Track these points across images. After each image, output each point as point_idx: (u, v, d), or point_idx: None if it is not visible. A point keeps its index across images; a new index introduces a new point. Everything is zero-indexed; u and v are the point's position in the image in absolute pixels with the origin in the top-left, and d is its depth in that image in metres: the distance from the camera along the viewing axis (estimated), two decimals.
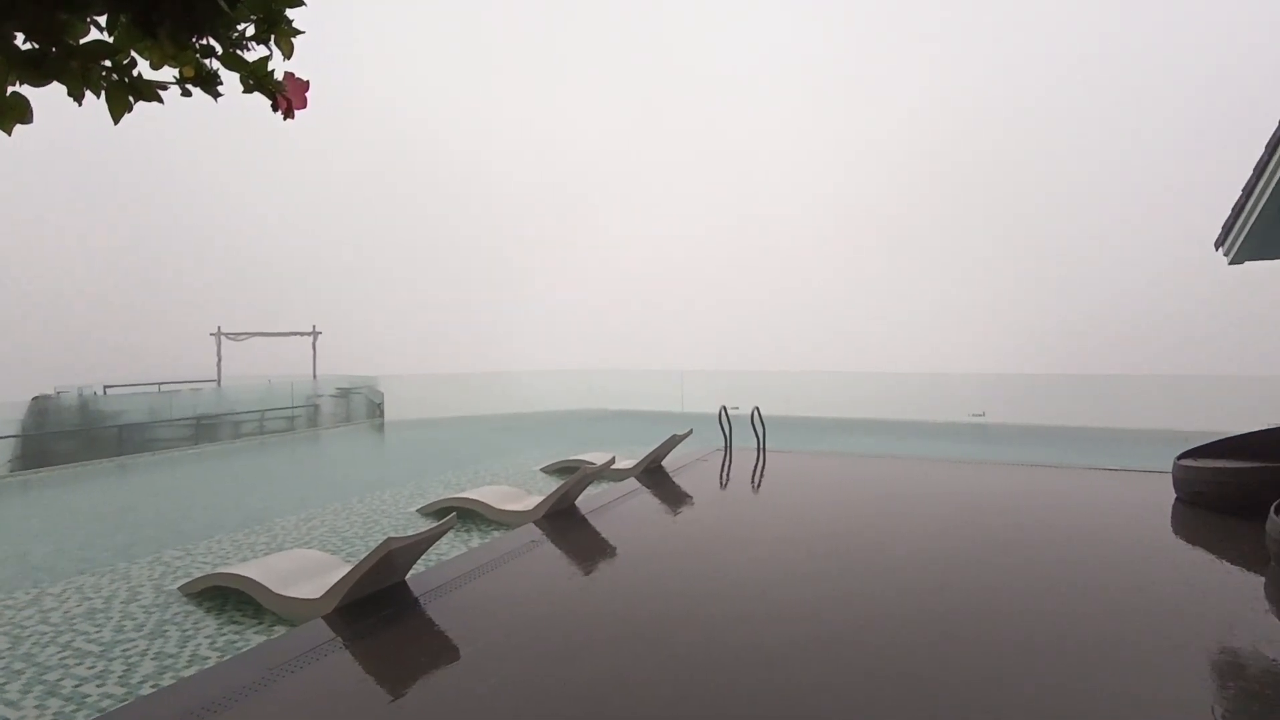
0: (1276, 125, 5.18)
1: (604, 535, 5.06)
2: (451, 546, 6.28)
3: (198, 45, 1.23)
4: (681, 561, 4.46)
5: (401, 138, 39.75)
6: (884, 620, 3.32)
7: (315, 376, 21.93)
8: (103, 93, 1.22)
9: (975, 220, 34.85)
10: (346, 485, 10.17)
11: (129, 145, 31.99)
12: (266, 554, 6.16)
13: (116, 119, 1.25)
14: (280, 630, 4.55)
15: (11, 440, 12.50)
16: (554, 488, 6.67)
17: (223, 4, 1.19)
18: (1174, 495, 5.65)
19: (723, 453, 8.59)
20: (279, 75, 1.34)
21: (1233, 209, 6.13)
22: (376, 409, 19.55)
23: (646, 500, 6.16)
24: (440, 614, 3.49)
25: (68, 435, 13.60)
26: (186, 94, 1.29)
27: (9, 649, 4.37)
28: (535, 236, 39.71)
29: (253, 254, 38.25)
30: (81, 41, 1.18)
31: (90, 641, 4.47)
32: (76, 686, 3.85)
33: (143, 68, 1.24)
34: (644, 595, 3.81)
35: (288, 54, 1.33)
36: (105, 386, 16.85)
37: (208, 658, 4.20)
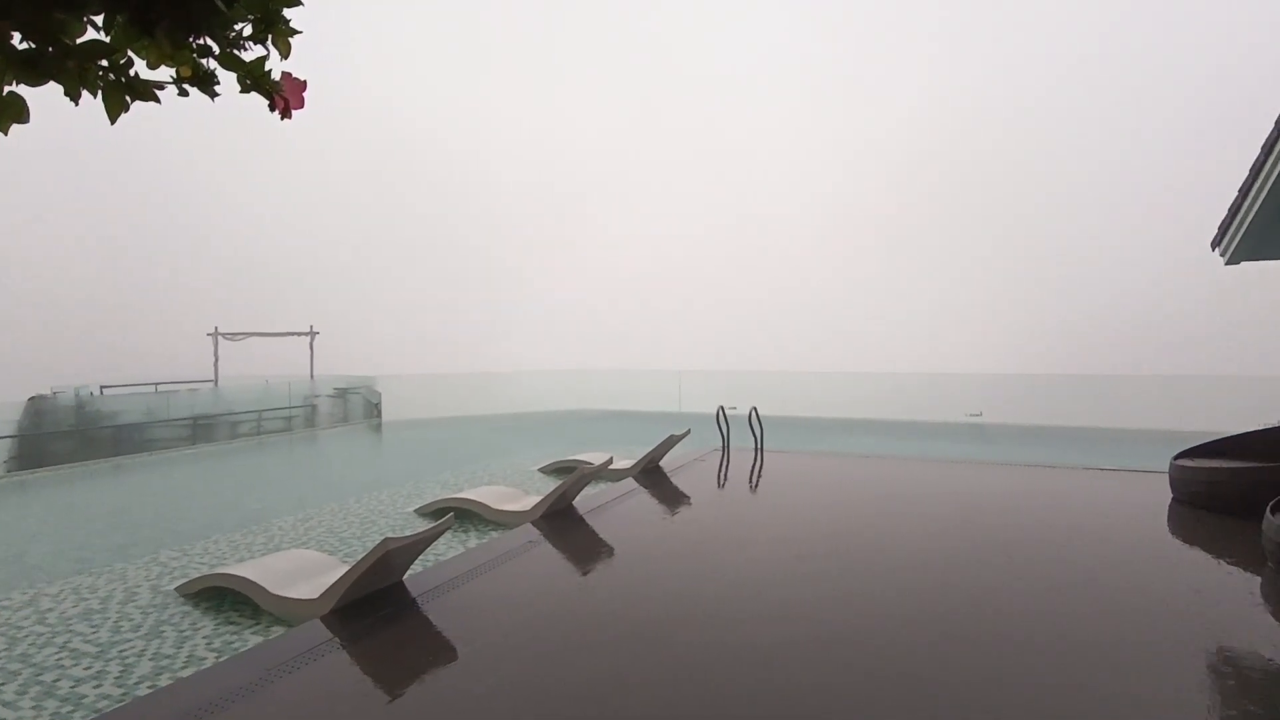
0: (1273, 126, 5.20)
1: (602, 535, 5.06)
2: (449, 547, 6.27)
3: (195, 45, 1.23)
4: (679, 562, 4.46)
5: (399, 137, 39.72)
6: (883, 620, 3.32)
7: (313, 377, 21.90)
8: (99, 92, 1.22)
9: (974, 220, 34.92)
10: (344, 485, 10.16)
11: (126, 145, 31.93)
12: (264, 554, 6.15)
13: (113, 119, 1.25)
14: (278, 631, 4.54)
15: (8, 441, 12.47)
16: (551, 488, 6.67)
17: (220, 4, 1.18)
18: (1170, 495, 5.66)
19: (720, 453, 8.59)
20: (276, 75, 1.34)
21: (1229, 209, 6.14)
22: (374, 409, 19.53)
23: (644, 500, 6.16)
24: (438, 614, 3.49)
25: (64, 435, 13.56)
26: (183, 94, 1.28)
27: (5, 650, 4.36)
28: (533, 236, 39.71)
29: (250, 254, 38.21)
30: (78, 41, 1.17)
31: (87, 642, 4.46)
32: (73, 687, 3.84)
33: (140, 67, 1.23)
34: (642, 595, 3.81)
35: (285, 54, 1.33)
36: (102, 387, 16.80)
37: (205, 658, 4.20)
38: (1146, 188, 31.18)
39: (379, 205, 40.29)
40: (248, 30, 1.28)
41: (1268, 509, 4.07)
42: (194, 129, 31.24)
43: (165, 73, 1.24)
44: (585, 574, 4.31)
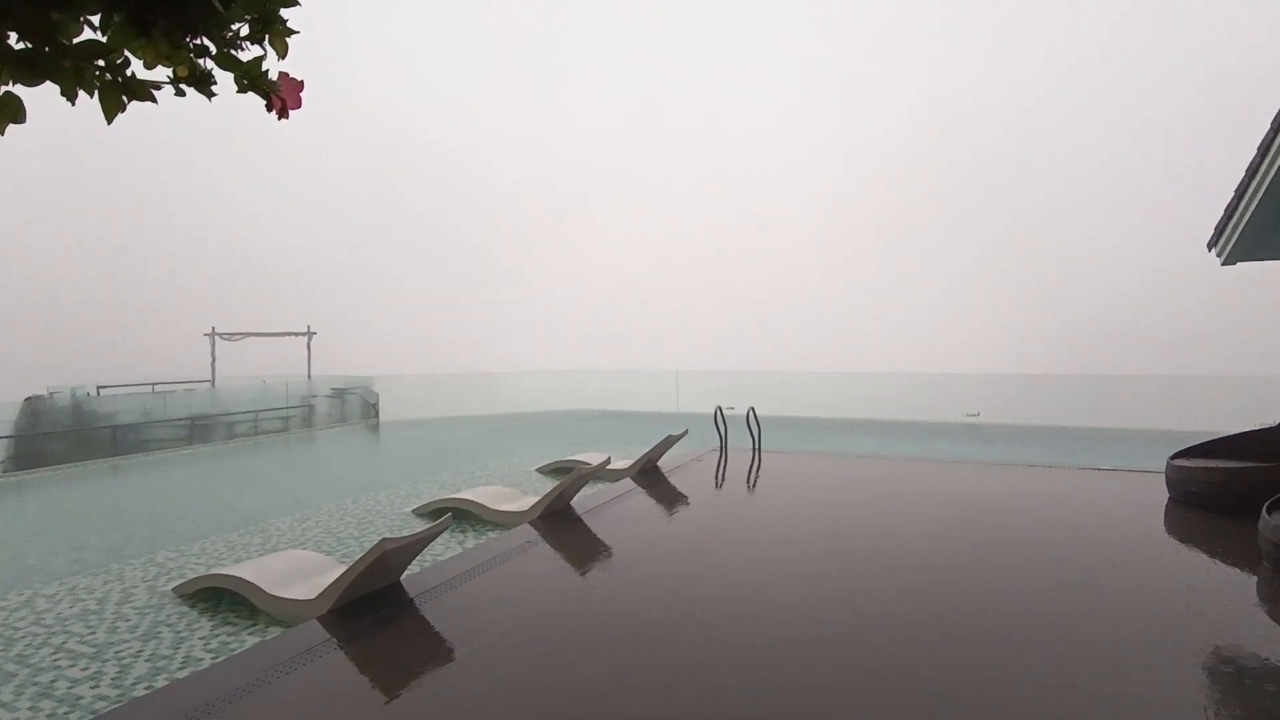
0: (1269, 127, 5.22)
1: (600, 536, 5.06)
2: (447, 547, 6.27)
3: (192, 45, 1.23)
4: (677, 562, 4.46)
5: (398, 137, 39.68)
6: (883, 620, 3.32)
7: (310, 377, 21.88)
8: (96, 92, 1.22)
9: (973, 220, 34.95)
10: (341, 486, 10.15)
11: (123, 145, 31.87)
12: (261, 555, 6.14)
13: (110, 119, 1.25)
14: (275, 631, 4.54)
15: (4, 441, 12.44)
16: (549, 488, 6.67)
17: (217, 4, 1.18)
18: (1167, 495, 5.67)
19: (718, 453, 8.60)
20: (273, 75, 1.34)
21: (1225, 210, 6.16)
22: (371, 409, 19.51)
23: (642, 501, 6.16)
24: (435, 615, 3.49)
25: (61, 436, 13.53)
26: (180, 94, 1.28)
27: (2, 650, 4.36)
28: (532, 236, 39.69)
29: (247, 254, 38.15)
30: (75, 41, 1.17)
31: (84, 643, 4.45)
32: (70, 688, 3.83)
33: (136, 67, 1.23)
34: (640, 595, 3.81)
35: (282, 54, 1.33)
36: (99, 387, 16.77)
37: (202, 659, 4.19)
38: (1143, 189, 31.26)
39: (377, 205, 40.26)
40: (245, 30, 1.28)
41: (1264, 509, 4.08)
42: (191, 129, 31.20)
43: (162, 73, 1.24)
44: (583, 574, 4.31)
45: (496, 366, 30.46)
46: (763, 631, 3.20)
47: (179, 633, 4.60)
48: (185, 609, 5.02)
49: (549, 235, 39.53)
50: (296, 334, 23.32)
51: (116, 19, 1.17)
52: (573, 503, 5.92)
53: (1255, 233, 6.03)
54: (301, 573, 5.07)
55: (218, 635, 4.55)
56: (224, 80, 1.30)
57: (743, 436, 8.60)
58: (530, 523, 5.27)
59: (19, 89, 1.17)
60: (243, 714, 2.48)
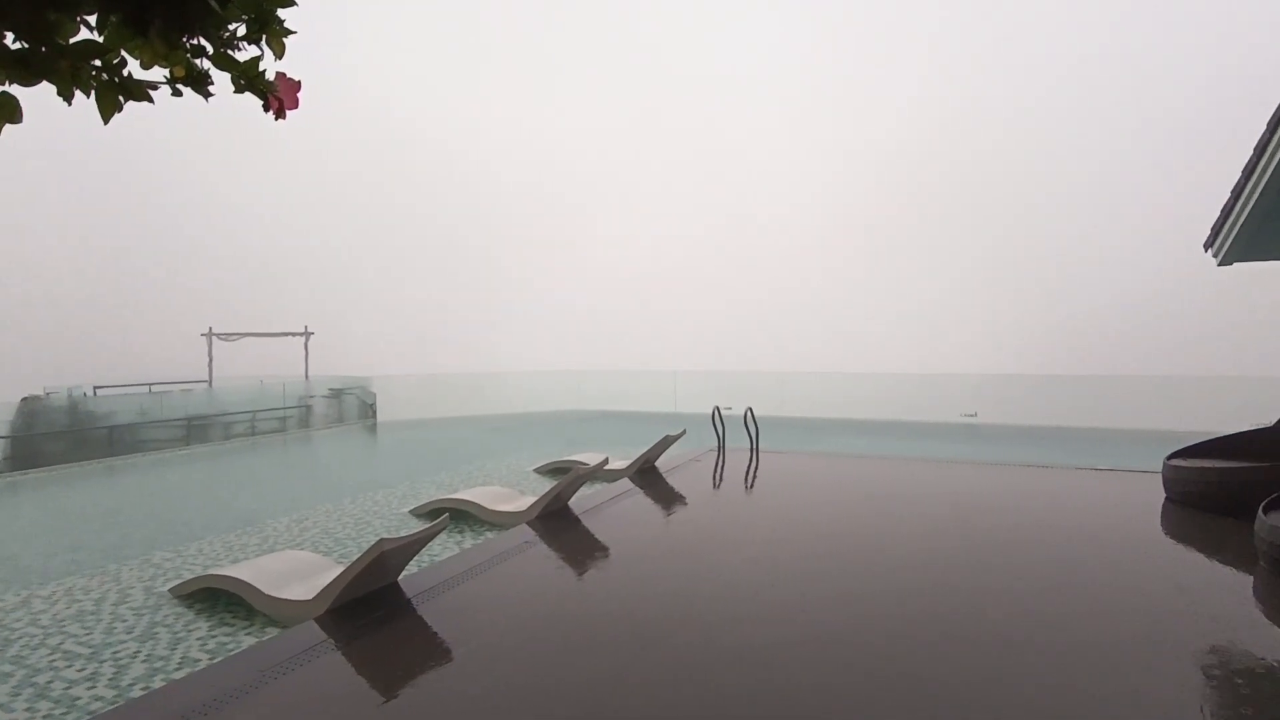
0: (1264, 128, 5.23)
1: (597, 536, 5.06)
2: (444, 548, 6.27)
3: (188, 45, 1.23)
4: (676, 562, 4.46)
5: (397, 137, 39.63)
6: (881, 619, 3.33)
7: (307, 377, 21.85)
8: (92, 92, 1.22)
9: (971, 220, 34.99)
10: (339, 486, 10.14)
11: (119, 145, 31.79)
12: (258, 555, 6.13)
13: (106, 119, 1.24)
14: (272, 632, 4.53)
15: (0, 441, 12.41)
16: (547, 488, 6.67)
17: (214, 4, 1.18)
18: (1164, 495, 5.69)
19: (716, 453, 8.60)
20: (270, 75, 1.34)
21: (1221, 211, 6.18)
22: (369, 409, 19.49)
23: (640, 501, 6.16)
24: (433, 615, 3.49)
25: (57, 436, 13.50)
26: (177, 94, 1.28)
27: None
28: (530, 236, 39.65)
29: (244, 254, 38.08)
30: (71, 41, 1.17)
31: (80, 644, 4.44)
32: (66, 689, 3.82)
33: (133, 67, 1.23)
34: (638, 596, 3.81)
35: (279, 54, 1.33)
36: (95, 387, 16.74)
37: (199, 660, 4.18)
38: (1141, 190, 31.34)
39: (375, 205, 40.21)
40: (242, 30, 1.28)
41: (1260, 508, 4.10)
42: (188, 129, 31.12)
43: (159, 73, 1.24)
44: (581, 574, 4.31)
45: (494, 366, 30.44)
46: (761, 631, 3.20)
47: (176, 633, 4.59)
48: (182, 610, 5.01)
49: (546, 235, 39.52)
50: (294, 334, 23.29)
51: (113, 19, 1.17)
52: (570, 503, 5.92)
53: (1251, 233, 6.05)
54: (299, 573, 5.06)
55: (215, 636, 4.54)
56: (221, 80, 1.30)
57: (741, 437, 8.60)
58: (528, 523, 5.27)
59: (15, 89, 1.17)
60: (240, 715, 2.48)
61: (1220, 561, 4.20)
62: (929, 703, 2.54)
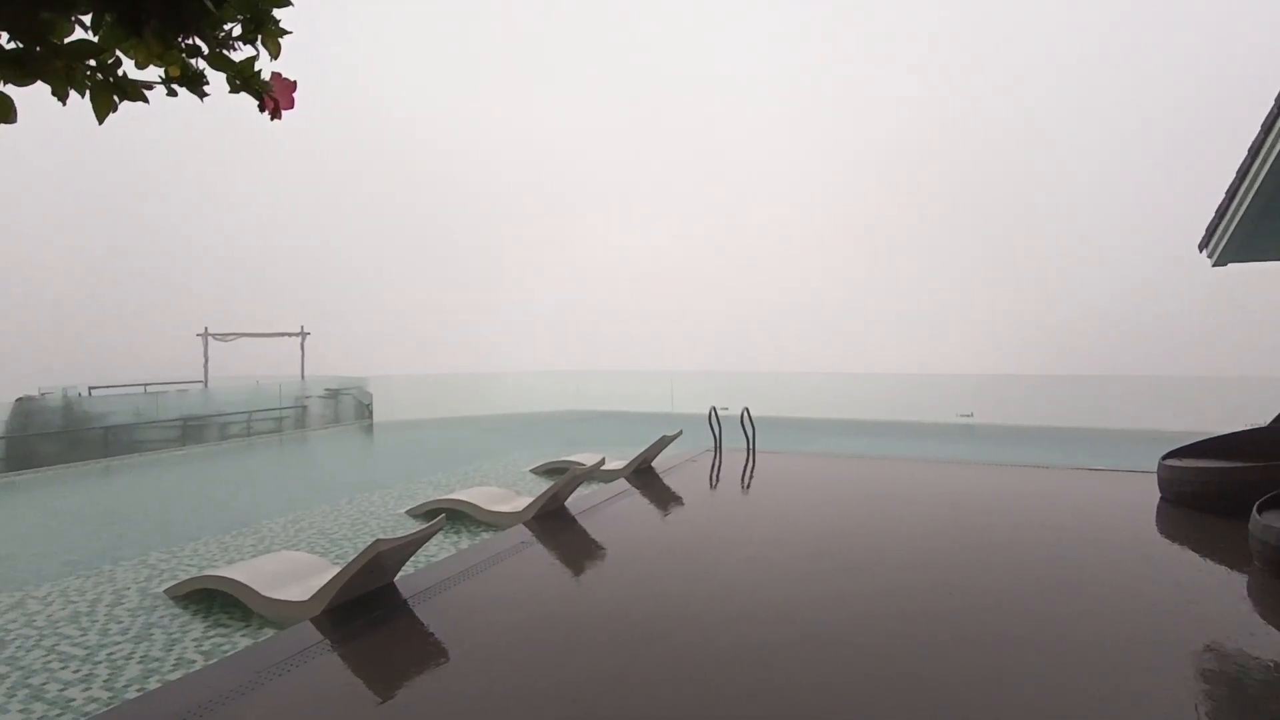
0: (1259, 129, 5.25)
1: (594, 536, 5.06)
2: (441, 548, 6.26)
3: (184, 45, 1.22)
4: (672, 562, 4.46)
5: (395, 138, 39.61)
6: (880, 619, 3.33)
7: (303, 377, 21.81)
8: (87, 92, 1.21)
9: (970, 220, 35.08)
10: (335, 487, 10.12)
11: (114, 145, 31.70)
12: (254, 556, 6.12)
13: (101, 119, 1.24)
14: (268, 633, 4.52)
15: None
16: (544, 489, 6.66)
17: (209, 3, 1.18)
18: (1159, 495, 5.70)
19: (713, 453, 8.60)
20: (266, 75, 1.34)
21: (1216, 211, 6.20)
22: (365, 410, 19.46)
23: (637, 501, 6.16)
24: (429, 616, 3.48)
25: (52, 437, 13.45)
26: (172, 94, 1.28)
27: None
28: (528, 237, 39.66)
29: (241, 254, 38.01)
30: (66, 40, 1.17)
31: (75, 645, 4.42)
32: (61, 691, 3.81)
33: (128, 67, 1.23)
34: (635, 596, 3.81)
35: (275, 54, 1.33)
36: (90, 387, 16.68)
37: (194, 661, 4.17)
38: (1139, 190, 31.43)
39: (373, 205, 40.16)
40: (237, 30, 1.28)
41: (1254, 508, 4.11)
42: (183, 129, 31.06)
43: (154, 72, 1.24)
44: (578, 575, 4.31)
45: (491, 367, 30.42)
46: (759, 631, 3.21)
47: (171, 634, 4.57)
48: (178, 610, 5.00)
49: (544, 236, 39.52)
50: (290, 334, 23.24)
51: (108, 18, 1.17)
52: (567, 503, 5.92)
53: (1246, 234, 6.07)
54: (295, 574, 5.05)
55: (210, 637, 4.53)
56: (216, 80, 1.30)
57: (737, 437, 8.61)
58: (525, 523, 5.27)
59: (9, 88, 1.16)
60: (235, 716, 2.47)
61: (1215, 561, 4.21)
62: (928, 703, 2.55)
